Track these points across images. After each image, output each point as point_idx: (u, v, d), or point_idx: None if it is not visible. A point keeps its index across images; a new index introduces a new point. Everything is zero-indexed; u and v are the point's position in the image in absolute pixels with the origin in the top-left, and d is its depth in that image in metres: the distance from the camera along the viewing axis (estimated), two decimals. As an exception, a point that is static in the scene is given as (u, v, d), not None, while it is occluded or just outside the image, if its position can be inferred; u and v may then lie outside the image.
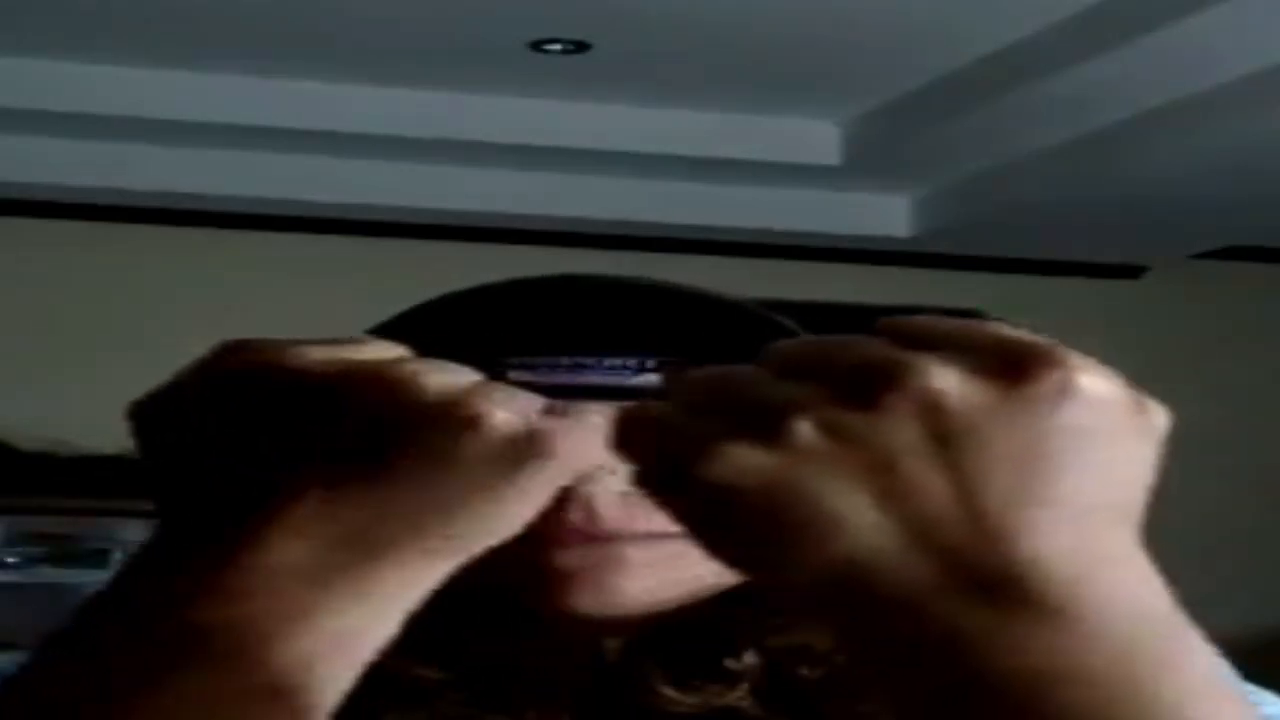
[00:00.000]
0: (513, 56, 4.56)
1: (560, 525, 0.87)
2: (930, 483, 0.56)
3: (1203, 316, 6.23)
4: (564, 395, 0.88)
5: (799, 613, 0.61)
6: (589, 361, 0.90)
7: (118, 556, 4.91)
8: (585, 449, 0.67)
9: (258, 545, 0.67)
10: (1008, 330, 0.59)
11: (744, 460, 0.57)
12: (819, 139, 5.20)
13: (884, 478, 0.56)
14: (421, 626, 0.90)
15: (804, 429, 0.56)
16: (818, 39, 4.40)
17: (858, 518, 0.56)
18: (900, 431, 0.56)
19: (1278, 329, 6.30)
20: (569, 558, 0.87)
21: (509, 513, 0.69)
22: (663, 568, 0.88)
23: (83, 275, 5.37)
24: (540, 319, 0.91)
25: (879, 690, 0.60)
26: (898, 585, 0.56)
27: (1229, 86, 4.23)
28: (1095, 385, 0.58)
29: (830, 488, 0.56)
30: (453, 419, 0.67)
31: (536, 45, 4.49)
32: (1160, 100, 4.38)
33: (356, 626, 0.68)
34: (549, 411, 0.67)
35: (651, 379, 0.89)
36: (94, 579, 4.90)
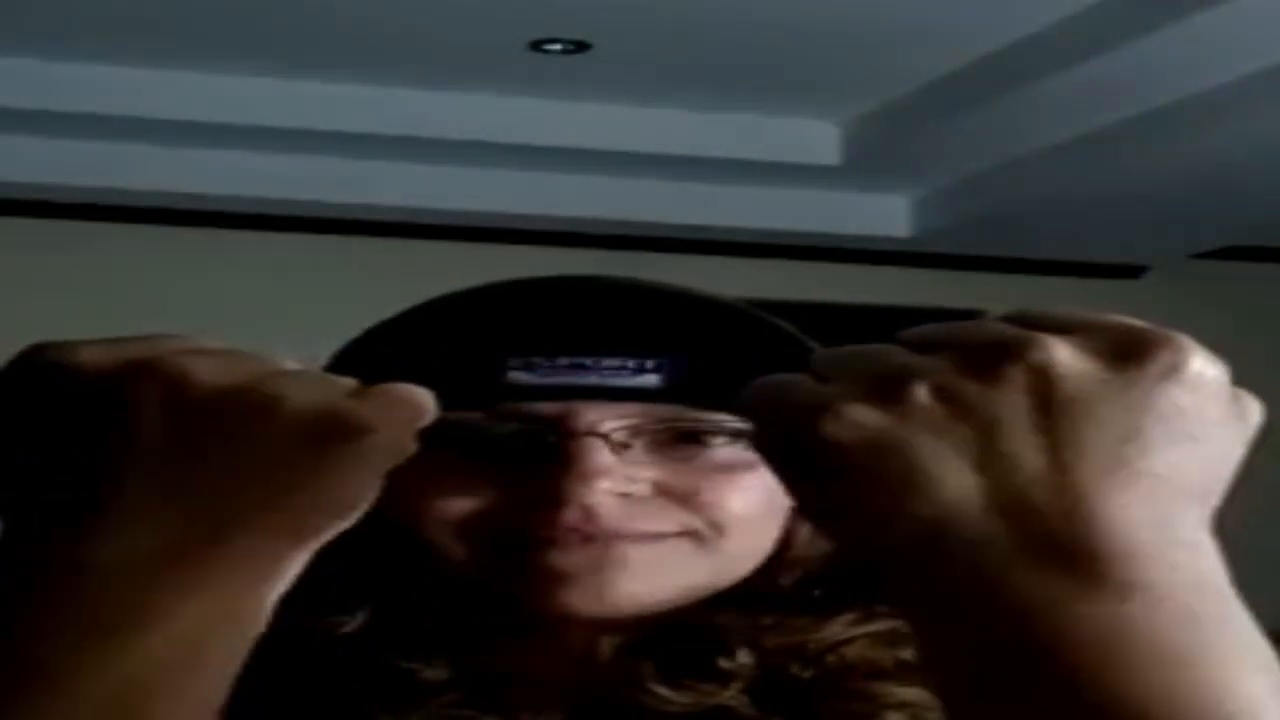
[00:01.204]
0: (513, 56, 4.56)
1: (558, 525, 0.87)
2: (1027, 449, 0.59)
3: (1203, 316, 6.21)
4: (563, 395, 0.88)
5: (880, 575, 0.63)
6: (588, 362, 0.89)
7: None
8: (399, 428, 0.64)
9: (86, 542, 0.64)
10: (1127, 318, 0.62)
11: (858, 418, 0.59)
12: (819, 139, 5.20)
13: (986, 442, 0.59)
14: (416, 625, 0.90)
15: (921, 393, 0.59)
16: (818, 39, 4.40)
17: (952, 479, 0.59)
18: (1010, 400, 0.59)
19: (1278, 329, 6.30)
20: (566, 558, 0.87)
21: (340, 495, 0.65)
22: (659, 569, 0.88)
23: (83, 275, 5.37)
24: (539, 319, 0.91)
25: (936, 661, 0.62)
26: (976, 547, 0.58)
27: (1229, 86, 4.23)
28: (1202, 371, 0.62)
29: (933, 449, 0.59)
30: (246, 404, 0.65)
31: (536, 45, 4.49)
32: (1160, 100, 4.38)
33: (212, 613, 0.65)
34: (358, 393, 0.65)
35: (650, 379, 0.89)
36: None
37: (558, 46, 4.51)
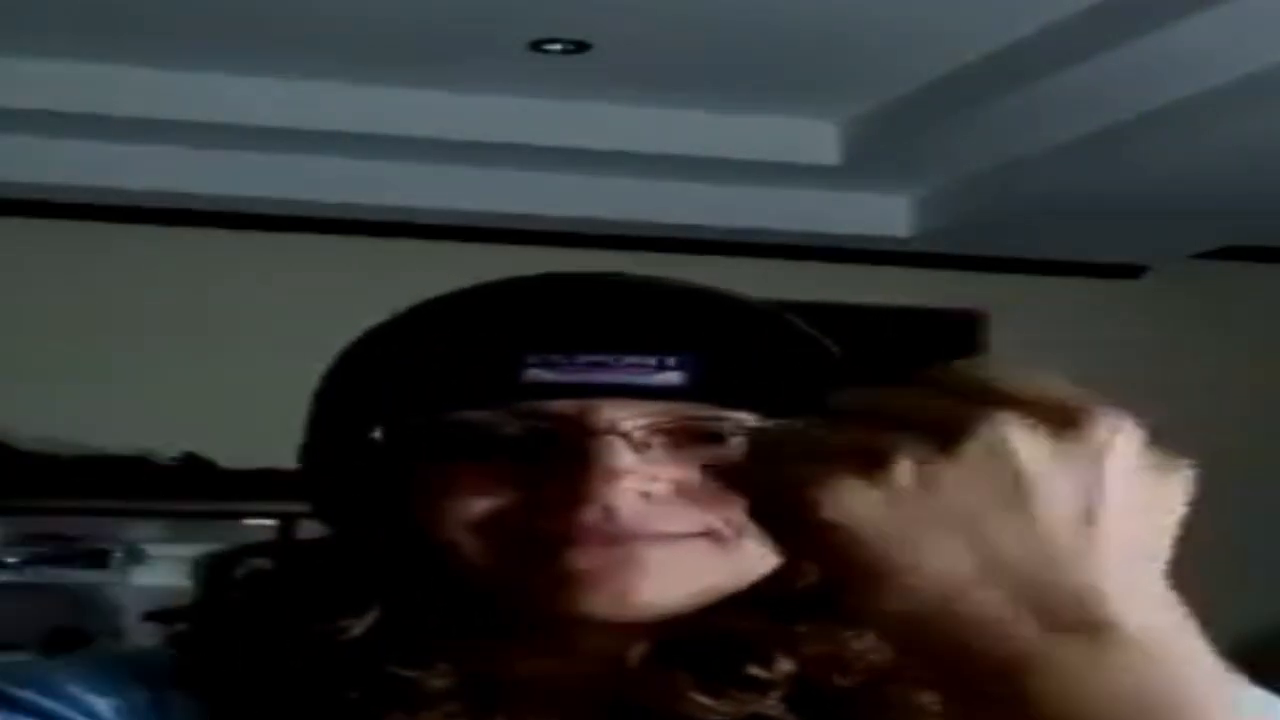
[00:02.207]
0: (513, 56, 4.56)
1: (577, 525, 0.86)
2: (1002, 524, 0.63)
3: (1203, 316, 6.23)
4: (583, 393, 0.87)
5: (891, 641, 0.69)
6: (608, 359, 0.88)
7: (118, 555, 4.91)
8: None
9: None
10: (1058, 387, 0.66)
11: (848, 501, 0.63)
12: (819, 139, 5.20)
13: (963, 519, 0.63)
14: (422, 630, 0.89)
15: (902, 474, 0.63)
16: (817, 39, 4.40)
17: (939, 556, 0.63)
18: (977, 479, 0.63)
19: (1278, 329, 6.30)
20: (586, 559, 0.86)
21: None
22: (679, 570, 0.87)
23: (83, 275, 5.37)
24: (558, 316, 0.90)
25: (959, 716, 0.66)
26: (976, 616, 0.63)
27: (1229, 86, 4.22)
28: (1133, 443, 0.66)
29: (919, 529, 0.63)
30: None
31: (536, 45, 4.49)
32: (1160, 100, 4.37)
33: None
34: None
35: (672, 377, 0.88)
36: (94, 579, 4.90)
37: (558, 46, 4.50)
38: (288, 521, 4.12)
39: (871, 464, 0.63)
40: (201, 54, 4.57)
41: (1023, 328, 6.04)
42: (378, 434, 0.90)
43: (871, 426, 0.64)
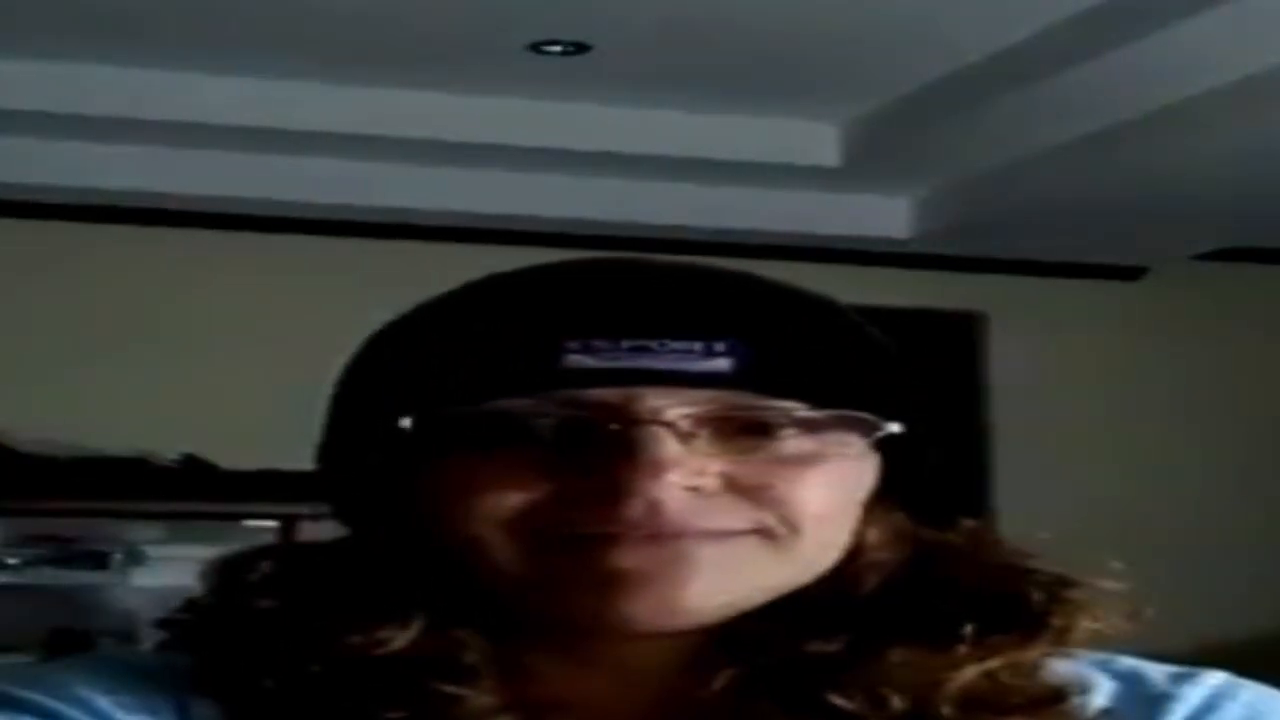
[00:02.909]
0: (513, 57, 4.56)
1: (620, 521, 0.80)
2: None
3: (1203, 316, 6.23)
4: (626, 380, 0.81)
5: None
6: (653, 344, 0.81)
7: (118, 557, 4.91)
8: None
9: None
10: None
11: None
12: (819, 139, 5.20)
13: None
14: (479, 650, 0.82)
15: None
16: (817, 39, 4.40)
17: None
18: None
19: (1278, 329, 6.30)
20: (629, 558, 0.80)
21: None
22: (730, 569, 0.81)
23: (83, 275, 5.37)
24: (602, 301, 0.83)
25: None
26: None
27: (1229, 86, 4.23)
28: None
29: None
30: None
31: (536, 46, 4.49)
32: (1160, 100, 4.37)
33: None
34: None
35: (721, 363, 0.82)
36: (94, 579, 4.90)
37: (558, 47, 4.50)
38: (289, 523, 4.12)
39: None
40: (201, 55, 4.57)
41: (1022, 328, 6.04)
42: (407, 424, 0.83)
43: None
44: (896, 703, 0.80)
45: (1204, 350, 6.14)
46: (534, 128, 4.97)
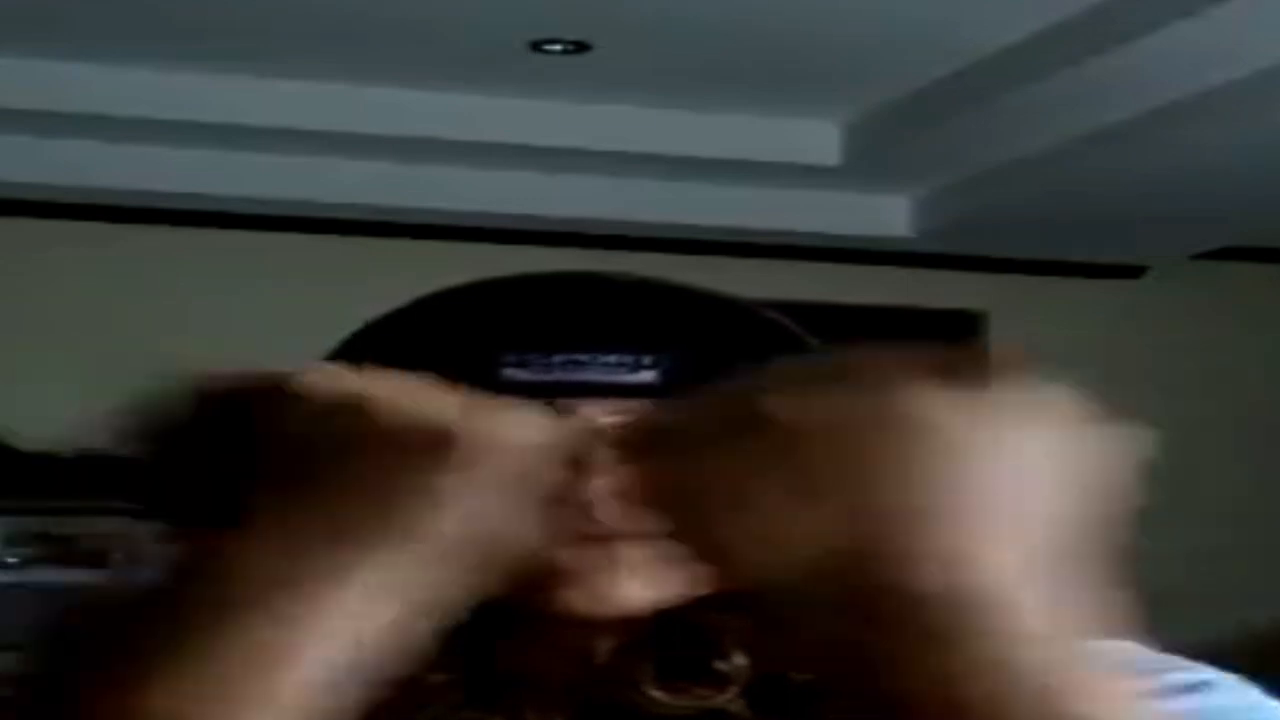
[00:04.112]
0: (513, 56, 4.56)
1: (557, 524, 0.85)
2: (888, 478, 0.61)
3: (1203, 316, 6.23)
4: (559, 392, 0.87)
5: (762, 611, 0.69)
6: (583, 358, 0.88)
7: (118, 556, 4.91)
8: (509, 453, 0.69)
9: (229, 556, 0.70)
10: (981, 352, 0.65)
11: (713, 463, 0.64)
12: (819, 139, 5.20)
13: (843, 478, 0.62)
14: (433, 635, 0.90)
15: (774, 432, 0.63)
16: (818, 39, 4.40)
17: (814, 516, 0.62)
18: (873, 432, 0.62)
19: (1278, 329, 6.30)
20: (564, 558, 0.86)
21: (457, 509, 0.69)
22: (659, 568, 0.87)
23: (82, 275, 5.37)
24: (535, 315, 0.90)
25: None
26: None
27: (1229, 86, 4.23)
28: (1050, 409, 0.64)
29: (783, 488, 0.62)
30: (355, 421, 0.68)
31: (536, 45, 4.49)
32: (1160, 100, 4.37)
33: (344, 618, 0.70)
34: (467, 410, 0.69)
35: (647, 376, 0.89)
36: (94, 579, 4.90)
37: (558, 47, 4.51)
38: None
39: (744, 426, 0.62)
40: (201, 55, 4.57)
41: (1023, 328, 6.04)
42: None
43: (758, 390, 0.64)
44: (739, 659, 0.87)
45: (1204, 350, 6.14)
46: (534, 127, 4.97)
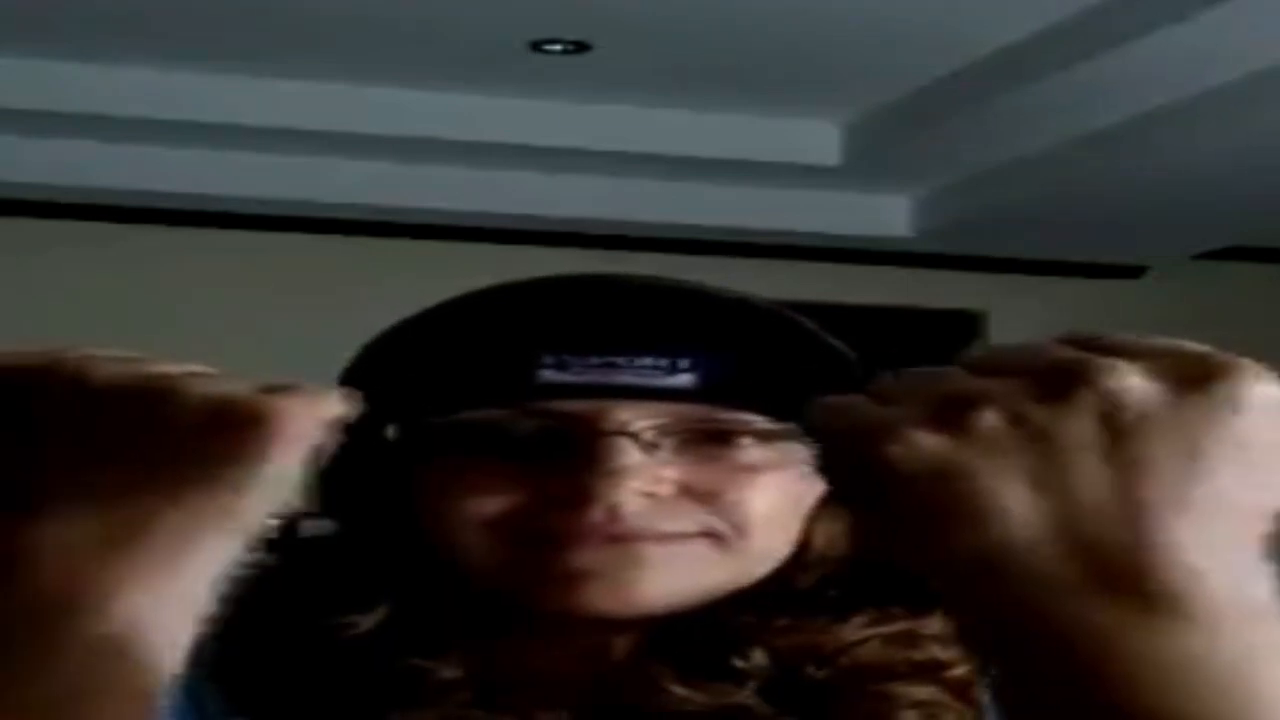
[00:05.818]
0: (513, 56, 4.56)
1: (582, 524, 0.87)
2: (1093, 477, 0.58)
3: (1203, 316, 6.23)
4: (596, 394, 0.88)
5: (942, 597, 0.63)
6: (621, 361, 0.89)
7: None
8: (301, 422, 0.63)
9: (18, 537, 0.64)
10: (1187, 344, 0.63)
11: (924, 444, 0.59)
12: (819, 139, 5.20)
13: (1052, 469, 0.59)
14: (430, 625, 0.90)
15: (988, 418, 0.59)
16: (818, 39, 4.40)
17: (1018, 507, 0.58)
18: (1079, 426, 0.59)
19: (1278, 329, 6.30)
20: (588, 557, 0.87)
21: (250, 484, 0.64)
22: (680, 569, 0.88)
23: (82, 275, 5.37)
24: (573, 318, 0.90)
25: (997, 688, 0.62)
26: (1037, 577, 0.58)
27: (1229, 86, 4.23)
28: (1265, 397, 0.60)
29: (997, 475, 0.58)
30: (145, 400, 0.64)
31: (536, 45, 4.50)
32: (1160, 100, 4.38)
33: (143, 603, 0.64)
34: (265, 389, 0.64)
35: (684, 379, 0.89)
36: None
37: (558, 47, 4.51)
38: (289, 519, 4.13)
39: (954, 409, 0.59)
40: (201, 55, 4.58)
41: (1023, 328, 6.03)
42: (391, 433, 0.90)
43: (970, 375, 0.61)
44: (757, 657, 0.88)
45: (1204, 350, 6.14)
46: (534, 126, 4.97)
